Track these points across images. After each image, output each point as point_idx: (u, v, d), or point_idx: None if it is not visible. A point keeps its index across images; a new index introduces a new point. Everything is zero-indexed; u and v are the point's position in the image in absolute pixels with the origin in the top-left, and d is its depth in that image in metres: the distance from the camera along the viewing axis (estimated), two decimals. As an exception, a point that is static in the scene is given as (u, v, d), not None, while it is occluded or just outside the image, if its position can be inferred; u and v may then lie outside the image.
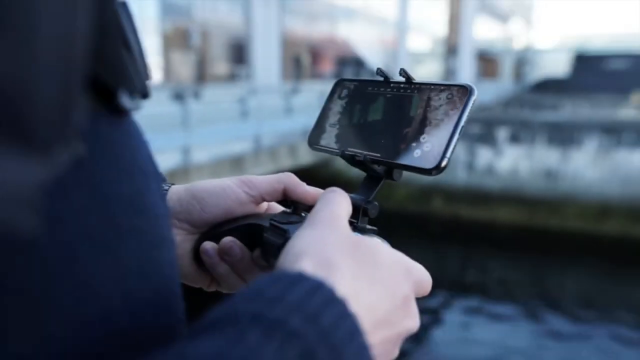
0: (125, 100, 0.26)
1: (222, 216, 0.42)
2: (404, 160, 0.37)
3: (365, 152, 0.39)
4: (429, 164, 0.35)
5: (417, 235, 8.66)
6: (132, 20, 0.27)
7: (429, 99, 0.38)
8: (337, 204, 0.32)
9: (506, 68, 40.23)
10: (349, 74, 19.32)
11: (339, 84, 0.45)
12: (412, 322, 0.31)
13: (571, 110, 14.63)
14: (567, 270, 7.35)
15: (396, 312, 0.29)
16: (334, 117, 0.43)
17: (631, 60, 29.77)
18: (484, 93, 24.05)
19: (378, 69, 0.42)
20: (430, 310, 5.93)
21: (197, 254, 0.43)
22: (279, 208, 0.44)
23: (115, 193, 0.24)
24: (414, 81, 0.39)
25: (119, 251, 0.24)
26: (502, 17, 40.34)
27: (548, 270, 7.25)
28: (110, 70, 0.25)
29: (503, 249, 8.03)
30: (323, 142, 0.43)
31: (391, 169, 0.38)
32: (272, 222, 0.40)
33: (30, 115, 0.18)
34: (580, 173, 8.45)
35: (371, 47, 21.30)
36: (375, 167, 0.39)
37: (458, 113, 0.36)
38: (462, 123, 0.35)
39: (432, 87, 0.38)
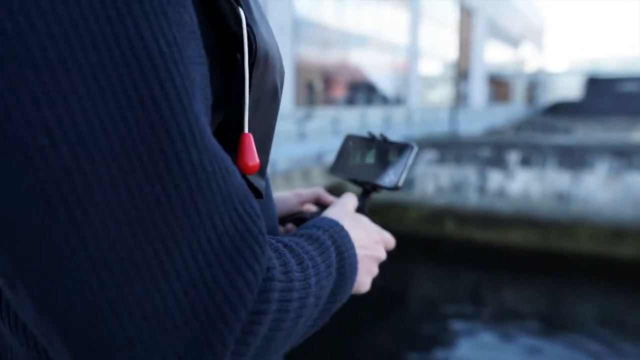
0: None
1: (286, 212, 0.69)
2: (382, 183, 0.66)
3: (362, 178, 0.68)
4: (393, 185, 0.65)
5: (430, 258, 8.70)
6: None
7: (394, 149, 0.67)
8: (348, 199, 0.62)
9: (518, 91, 40.30)
10: (361, 100, 19.58)
11: (348, 138, 0.73)
12: (382, 254, 0.60)
13: (584, 133, 14.65)
14: (582, 293, 7.33)
15: (371, 244, 0.57)
16: (344, 157, 0.72)
17: (644, 83, 29.66)
18: (496, 117, 24.10)
19: (368, 132, 0.70)
20: (444, 332, 5.97)
21: None
22: (314, 207, 0.71)
23: (267, 193, 0.52)
24: (387, 140, 0.69)
25: (271, 208, 0.53)
26: (513, 41, 40.60)
27: (562, 293, 7.23)
28: None
29: (516, 272, 8.04)
30: (338, 171, 0.72)
31: (375, 187, 0.67)
32: (312, 215, 0.66)
33: (265, 166, 0.45)
34: (591, 196, 8.48)
35: (383, 73, 21.59)
36: (367, 185, 0.68)
37: (407, 158, 0.66)
38: (410, 163, 0.65)
39: (396, 143, 0.68)
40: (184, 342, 0.30)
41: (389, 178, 0.65)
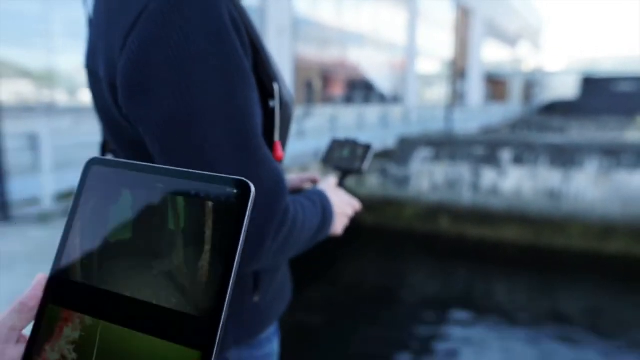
0: None
1: (291, 188, 1.00)
2: (352, 168, 1.02)
3: (341, 166, 1.03)
4: (359, 169, 1.01)
5: (424, 254, 8.91)
6: None
7: (360, 147, 1.03)
8: (330, 179, 0.96)
9: (515, 90, 40.48)
10: (359, 98, 19.76)
11: (333, 141, 1.08)
12: (350, 212, 0.95)
13: (577, 132, 14.84)
14: (573, 289, 7.52)
15: (343, 205, 0.93)
16: (331, 153, 1.07)
17: (638, 83, 29.92)
18: (492, 115, 24.26)
19: (345, 137, 1.07)
20: (437, 329, 6.17)
21: None
22: (309, 185, 1.03)
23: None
24: (357, 142, 1.05)
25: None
26: (510, 40, 40.75)
27: (554, 289, 7.43)
28: None
29: (509, 268, 8.23)
30: (327, 162, 1.06)
31: (350, 171, 1.02)
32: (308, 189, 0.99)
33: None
34: (582, 193, 8.69)
35: (381, 71, 21.75)
36: (344, 170, 1.03)
37: (369, 153, 1.02)
38: (371, 156, 1.02)
39: (362, 144, 1.03)
40: (258, 222, 0.68)
41: (357, 165, 1.03)
